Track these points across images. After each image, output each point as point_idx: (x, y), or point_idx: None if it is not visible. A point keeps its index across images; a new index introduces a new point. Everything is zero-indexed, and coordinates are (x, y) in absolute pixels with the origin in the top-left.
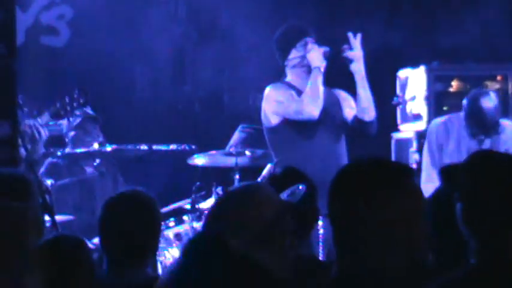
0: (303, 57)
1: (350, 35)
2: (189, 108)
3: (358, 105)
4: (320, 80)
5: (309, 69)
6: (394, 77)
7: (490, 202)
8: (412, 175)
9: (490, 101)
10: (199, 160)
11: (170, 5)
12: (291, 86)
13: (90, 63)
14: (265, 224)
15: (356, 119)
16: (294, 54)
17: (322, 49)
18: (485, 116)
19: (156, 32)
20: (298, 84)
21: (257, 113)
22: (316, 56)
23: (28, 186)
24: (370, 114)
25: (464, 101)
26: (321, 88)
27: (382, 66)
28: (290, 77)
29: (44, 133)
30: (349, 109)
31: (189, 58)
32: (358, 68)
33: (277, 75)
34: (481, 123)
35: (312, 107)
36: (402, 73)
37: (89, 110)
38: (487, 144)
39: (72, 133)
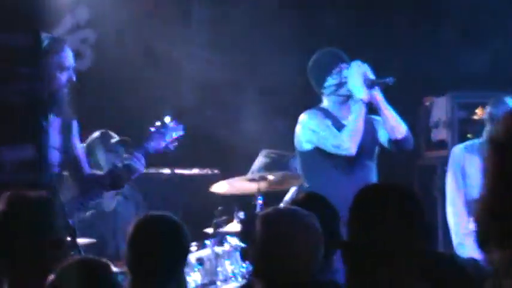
0: (339, 84)
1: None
2: (211, 132)
3: (386, 127)
4: (363, 113)
5: (346, 97)
6: (418, 105)
7: None
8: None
9: None
10: (220, 187)
11: (193, 30)
12: (327, 114)
13: (113, 87)
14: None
15: (390, 140)
16: (330, 82)
17: (366, 78)
18: None
19: (180, 56)
20: (335, 111)
21: (280, 138)
22: (359, 85)
23: (53, 206)
24: (400, 130)
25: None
26: (362, 122)
27: (406, 93)
28: (327, 103)
29: None
30: (383, 133)
31: (212, 82)
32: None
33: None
34: None
35: (351, 144)
36: (426, 100)
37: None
38: None
39: (101, 156)
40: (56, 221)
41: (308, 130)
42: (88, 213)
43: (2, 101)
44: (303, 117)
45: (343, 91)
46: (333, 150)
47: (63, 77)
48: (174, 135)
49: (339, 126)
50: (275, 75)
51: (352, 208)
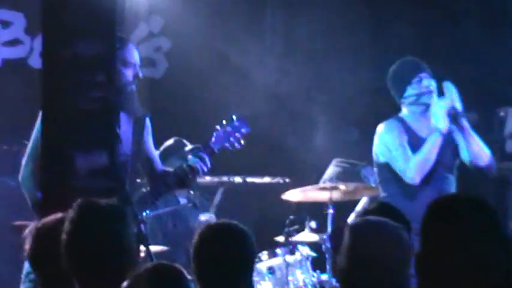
0: (419, 94)
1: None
2: (283, 141)
3: (470, 152)
4: (438, 144)
5: (425, 108)
6: (492, 115)
7: None
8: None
9: None
10: (292, 195)
11: (266, 39)
12: (405, 127)
13: (186, 94)
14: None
15: (471, 163)
16: (409, 92)
17: (447, 109)
18: None
19: (252, 65)
20: (413, 122)
21: (351, 148)
22: (441, 115)
23: (123, 214)
24: (484, 158)
25: None
26: (435, 153)
27: (479, 104)
28: (405, 112)
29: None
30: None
31: (284, 91)
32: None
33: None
34: None
35: (415, 175)
36: (500, 111)
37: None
38: None
39: (174, 163)
40: (126, 229)
41: (382, 145)
42: (161, 210)
43: (79, 108)
44: (380, 128)
45: (422, 101)
46: (398, 172)
47: (128, 72)
48: (243, 131)
49: (415, 141)
50: (347, 84)
51: (426, 219)
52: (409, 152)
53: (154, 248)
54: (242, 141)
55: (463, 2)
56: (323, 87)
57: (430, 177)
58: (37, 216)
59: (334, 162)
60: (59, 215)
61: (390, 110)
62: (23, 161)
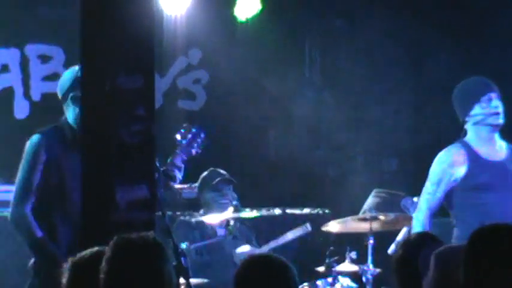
0: (487, 114)
1: None
2: (323, 172)
3: None
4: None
5: (491, 129)
6: None
7: None
8: None
9: None
10: (333, 226)
11: (305, 69)
12: (469, 152)
13: (224, 127)
14: None
15: None
16: (477, 110)
17: None
18: None
19: (291, 96)
20: (478, 146)
21: (391, 178)
22: None
23: (161, 249)
24: None
25: None
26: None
27: None
28: (470, 135)
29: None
30: None
31: (323, 122)
32: None
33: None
34: None
35: (419, 227)
36: None
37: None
38: None
39: (208, 195)
40: (165, 264)
41: (431, 175)
42: (201, 243)
43: (120, 142)
44: (438, 155)
45: (488, 121)
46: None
47: None
48: (202, 136)
49: (480, 165)
50: (386, 115)
51: (468, 249)
52: (438, 194)
53: (194, 281)
54: (202, 147)
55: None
56: (362, 118)
57: (493, 203)
58: (34, 256)
59: (373, 192)
60: (95, 249)
61: (430, 141)
62: (12, 200)
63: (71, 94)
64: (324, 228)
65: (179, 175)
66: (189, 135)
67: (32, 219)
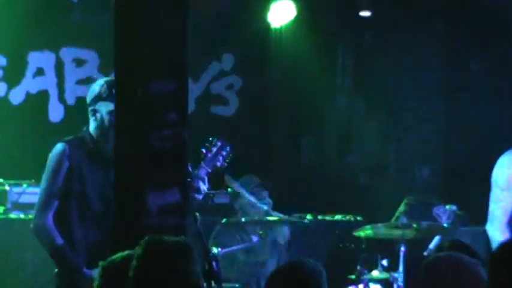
0: None
1: None
2: (354, 179)
3: None
4: None
5: None
6: None
7: None
8: None
9: None
10: (365, 232)
11: (337, 76)
12: None
13: (257, 132)
14: None
15: None
16: None
17: None
18: None
19: (324, 102)
20: None
21: (424, 185)
22: None
23: (190, 251)
24: None
25: None
26: None
27: None
28: None
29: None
30: None
31: (355, 129)
32: None
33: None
34: None
35: (499, 236)
36: None
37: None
38: None
39: (243, 200)
40: (193, 265)
41: (494, 176)
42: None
43: (152, 146)
44: (499, 160)
45: None
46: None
47: None
48: (228, 149)
49: None
50: (418, 122)
51: (492, 263)
52: (511, 199)
53: (226, 286)
54: (228, 160)
55: None
56: (394, 125)
57: None
58: (56, 263)
59: (406, 200)
60: (126, 252)
61: (462, 148)
62: (35, 210)
63: (90, 107)
64: (356, 234)
65: (203, 187)
66: (214, 149)
67: (52, 228)
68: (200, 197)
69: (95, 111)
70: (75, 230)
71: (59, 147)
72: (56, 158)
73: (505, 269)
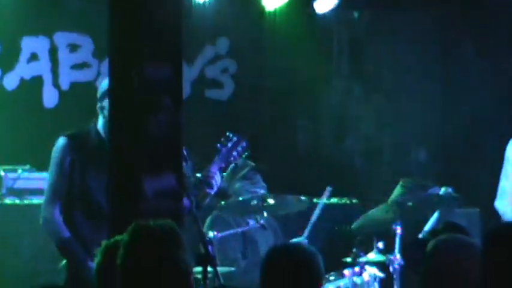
0: None
1: None
2: (350, 162)
3: None
4: None
5: None
6: None
7: None
8: None
9: None
10: (359, 216)
11: (333, 59)
12: None
13: (252, 116)
14: None
15: None
16: None
17: None
18: None
19: (319, 86)
20: None
21: (420, 168)
22: None
23: (178, 237)
24: None
25: None
26: None
27: None
28: None
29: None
30: None
31: (351, 112)
32: None
33: (437, 131)
34: None
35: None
36: None
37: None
38: None
39: (237, 184)
40: (180, 250)
41: (507, 152)
42: (229, 231)
43: (147, 131)
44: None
45: None
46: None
47: None
48: (243, 145)
49: None
50: (414, 105)
51: (484, 246)
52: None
53: (221, 269)
54: (245, 154)
55: None
56: (390, 108)
57: None
58: (63, 256)
59: (401, 182)
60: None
61: (458, 131)
62: (44, 201)
63: (99, 104)
64: (354, 227)
65: (216, 181)
66: (229, 144)
67: (59, 221)
68: (212, 192)
69: (102, 108)
70: (80, 221)
71: (60, 141)
72: (57, 154)
73: (505, 248)
